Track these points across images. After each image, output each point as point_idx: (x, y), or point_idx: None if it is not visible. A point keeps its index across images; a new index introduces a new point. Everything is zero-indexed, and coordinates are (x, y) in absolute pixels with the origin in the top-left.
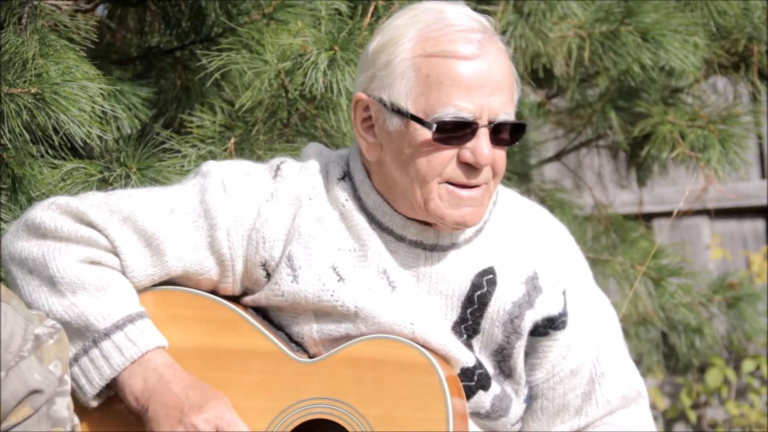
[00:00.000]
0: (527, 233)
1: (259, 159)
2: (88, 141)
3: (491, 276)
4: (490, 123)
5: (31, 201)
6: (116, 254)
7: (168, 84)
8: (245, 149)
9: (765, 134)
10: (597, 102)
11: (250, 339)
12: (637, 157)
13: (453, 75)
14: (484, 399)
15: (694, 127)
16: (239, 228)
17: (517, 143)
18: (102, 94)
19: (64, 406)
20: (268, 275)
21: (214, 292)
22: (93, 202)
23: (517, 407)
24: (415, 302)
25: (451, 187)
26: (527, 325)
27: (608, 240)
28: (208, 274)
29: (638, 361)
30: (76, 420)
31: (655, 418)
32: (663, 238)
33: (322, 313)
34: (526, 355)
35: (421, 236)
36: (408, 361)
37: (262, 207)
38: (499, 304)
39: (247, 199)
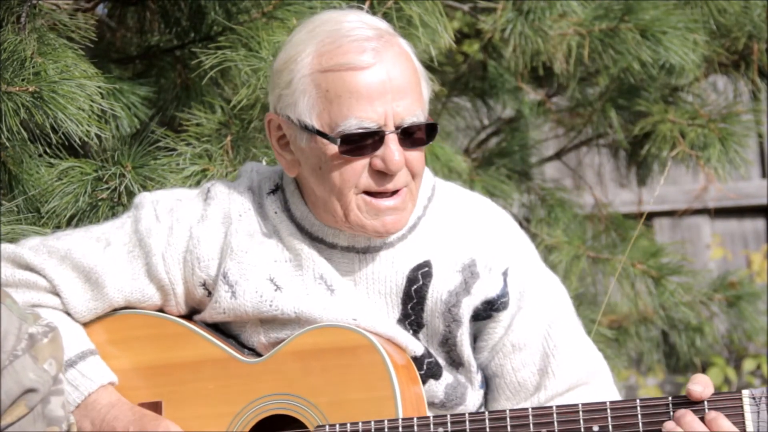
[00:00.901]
0: (465, 222)
1: (254, 157)
2: (86, 140)
3: (426, 269)
4: (397, 128)
5: (27, 199)
6: (56, 293)
7: (168, 83)
8: (241, 147)
9: (765, 133)
10: (597, 100)
11: (200, 349)
12: (637, 156)
13: (351, 87)
14: (435, 388)
15: (695, 125)
16: (173, 252)
17: (428, 142)
18: (101, 93)
19: (59, 405)
20: (209, 294)
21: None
22: (31, 246)
23: (473, 396)
24: (355, 302)
25: (368, 197)
26: (465, 312)
27: (608, 239)
28: (150, 300)
29: (639, 360)
30: (72, 419)
31: None
32: (663, 237)
33: (267, 320)
34: (475, 338)
35: (352, 241)
36: (349, 344)
37: (194, 228)
38: (436, 296)
39: (179, 223)
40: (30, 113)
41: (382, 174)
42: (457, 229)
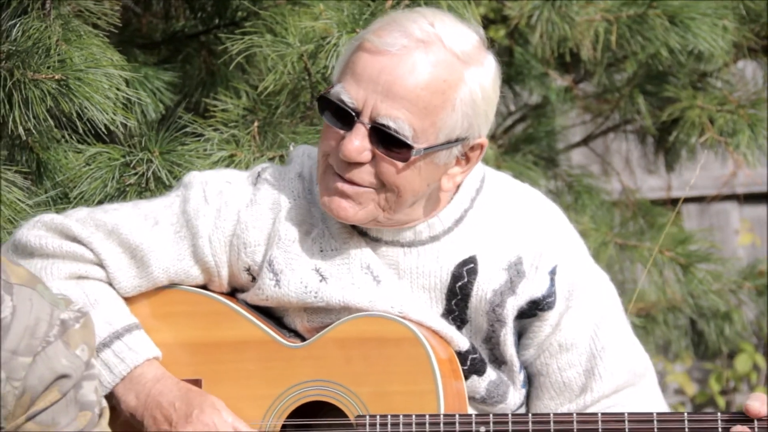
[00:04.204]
0: (513, 217)
1: (281, 143)
2: (111, 128)
3: (472, 265)
4: (370, 121)
5: (55, 186)
6: (102, 267)
7: (193, 68)
8: (268, 132)
9: None
10: (625, 86)
11: (242, 330)
12: (666, 142)
13: (355, 59)
14: (478, 384)
15: (723, 111)
16: (220, 235)
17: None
18: (126, 81)
19: (91, 390)
20: (254, 279)
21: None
22: (78, 217)
23: (514, 395)
24: (401, 294)
25: (330, 170)
26: (510, 312)
27: (636, 225)
28: (194, 281)
29: (667, 348)
30: (104, 403)
31: (684, 404)
32: (692, 224)
33: (311, 308)
34: (519, 335)
35: (396, 236)
36: (393, 336)
37: (242, 213)
38: (480, 294)
39: (227, 206)
40: (56, 101)
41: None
42: (505, 224)
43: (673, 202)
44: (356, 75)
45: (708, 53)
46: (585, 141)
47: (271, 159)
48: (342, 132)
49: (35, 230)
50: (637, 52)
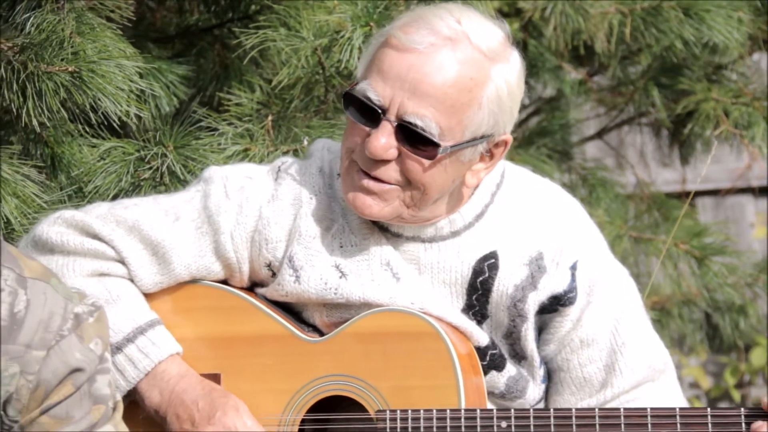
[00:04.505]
0: (533, 213)
1: (295, 136)
2: (125, 119)
3: (493, 260)
4: (397, 119)
5: (70, 179)
6: (123, 263)
7: (206, 62)
8: (282, 126)
9: None
10: (639, 79)
11: (261, 324)
12: (680, 135)
13: (382, 56)
14: (497, 379)
15: (738, 104)
16: (242, 231)
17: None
18: (139, 73)
19: (105, 384)
20: (274, 275)
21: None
22: (98, 214)
23: (534, 389)
24: (421, 290)
25: (355, 167)
26: (531, 307)
27: (650, 218)
28: (215, 276)
29: (681, 341)
30: (118, 397)
31: (699, 397)
32: (707, 216)
33: (330, 304)
34: (539, 331)
35: (417, 232)
36: (413, 330)
37: (264, 209)
38: (502, 289)
39: (249, 202)
40: (69, 93)
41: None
42: (526, 219)
43: (688, 195)
44: (383, 72)
45: (723, 45)
46: (599, 134)
47: (285, 153)
48: (367, 129)
49: (56, 227)
50: (652, 45)
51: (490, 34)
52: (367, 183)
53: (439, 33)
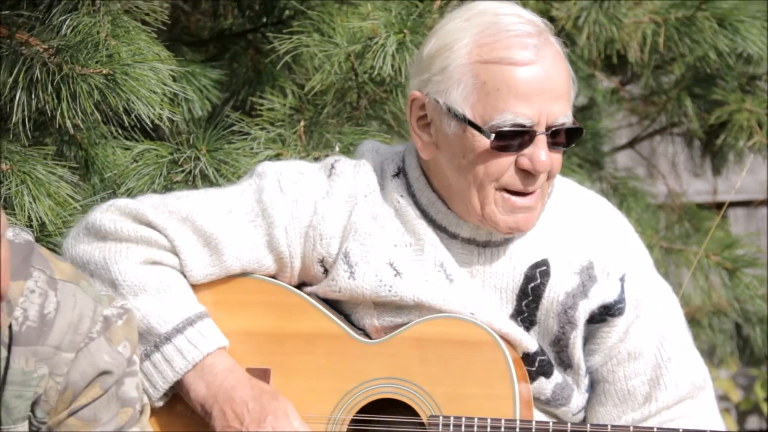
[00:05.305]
0: (583, 222)
1: (327, 142)
2: (158, 122)
3: (544, 268)
4: (548, 129)
5: (103, 181)
6: (175, 253)
7: (239, 66)
8: (314, 132)
9: None
10: (672, 89)
11: (315, 322)
12: (713, 146)
13: (510, 81)
14: (545, 386)
15: None
16: (297, 225)
17: (575, 142)
18: (173, 76)
19: (132, 387)
20: (326, 271)
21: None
22: (152, 203)
23: (578, 398)
24: (473, 294)
25: (506, 194)
26: (581, 315)
27: (682, 229)
28: (266, 270)
29: (711, 353)
30: (146, 399)
31: (728, 410)
32: (738, 228)
33: (382, 304)
34: (585, 341)
35: (474, 233)
36: (472, 339)
37: (319, 204)
38: (552, 296)
39: (303, 197)
40: (103, 95)
41: (525, 173)
42: (576, 228)
43: (719, 206)
44: (521, 94)
45: (757, 56)
46: (631, 143)
47: (317, 159)
48: (516, 153)
49: (109, 214)
50: (685, 55)
51: (532, 13)
52: (526, 201)
53: (532, 35)
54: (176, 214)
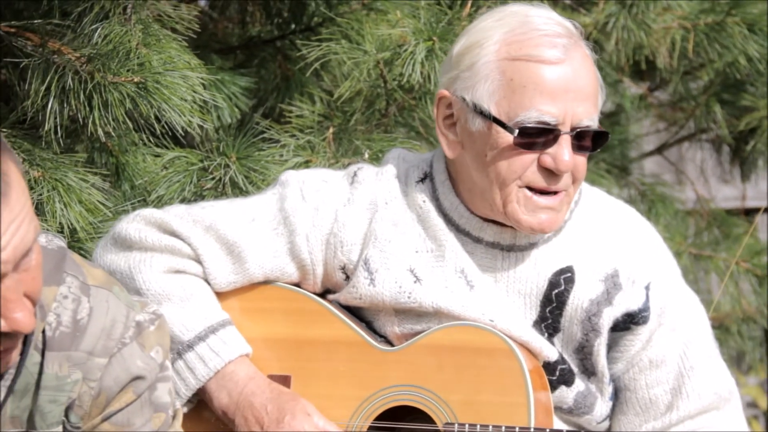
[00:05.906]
0: (609, 230)
1: (356, 149)
2: (188, 130)
3: (569, 274)
4: (572, 129)
5: (133, 188)
6: (199, 262)
7: (268, 74)
8: (343, 139)
9: None
10: (701, 95)
11: (334, 329)
12: (742, 152)
13: (537, 79)
14: (566, 395)
15: None
16: (318, 233)
17: (601, 147)
18: (203, 84)
19: (165, 392)
20: (347, 278)
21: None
22: (176, 213)
23: (602, 406)
24: (494, 301)
25: (529, 192)
26: (606, 322)
27: (710, 235)
28: (289, 278)
29: (740, 359)
30: (178, 404)
31: (757, 417)
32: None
33: (402, 311)
34: (609, 348)
35: (498, 237)
36: (488, 346)
37: (339, 212)
38: (577, 302)
39: (325, 204)
40: (135, 103)
41: (548, 172)
42: (602, 236)
43: (747, 212)
44: (547, 92)
45: None
46: (659, 150)
47: (346, 166)
48: (540, 151)
49: (135, 223)
50: (715, 60)
51: (564, 18)
52: (549, 201)
53: (560, 35)
54: (200, 223)
